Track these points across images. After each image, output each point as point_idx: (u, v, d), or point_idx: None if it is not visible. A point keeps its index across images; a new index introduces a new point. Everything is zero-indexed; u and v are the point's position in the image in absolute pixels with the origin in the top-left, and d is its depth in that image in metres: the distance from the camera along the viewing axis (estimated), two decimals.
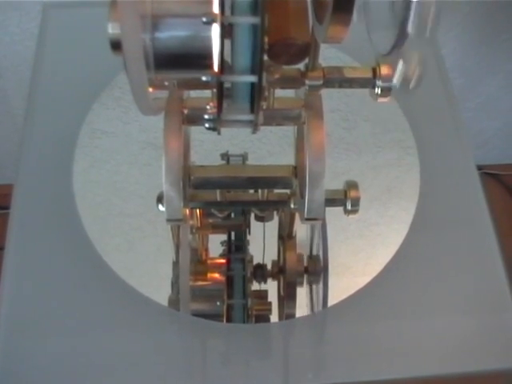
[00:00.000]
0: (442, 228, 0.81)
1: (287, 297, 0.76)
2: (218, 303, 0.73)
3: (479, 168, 0.86)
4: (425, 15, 0.46)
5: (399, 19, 0.46)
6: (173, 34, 0.43)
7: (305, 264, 0.77)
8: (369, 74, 0.55)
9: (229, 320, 0.73)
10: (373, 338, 0.73)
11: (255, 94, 0.48)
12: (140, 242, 0.82)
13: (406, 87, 0.52)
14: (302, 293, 0.77)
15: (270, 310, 0.76)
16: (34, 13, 1.08)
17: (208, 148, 0.81)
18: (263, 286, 0.78)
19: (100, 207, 0.83)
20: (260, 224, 0.75)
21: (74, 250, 0.78)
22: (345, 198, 0.64)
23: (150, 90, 0.45)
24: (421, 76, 0.50)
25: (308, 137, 0.56)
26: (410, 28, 0.45)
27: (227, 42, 0.44)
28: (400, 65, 0.50)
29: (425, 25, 0.46)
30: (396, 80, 0.52)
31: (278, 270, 0.78)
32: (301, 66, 0.53)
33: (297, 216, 0.69)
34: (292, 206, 0.66)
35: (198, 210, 0.72)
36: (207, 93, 0.52)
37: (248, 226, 0.76)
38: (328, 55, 0.58)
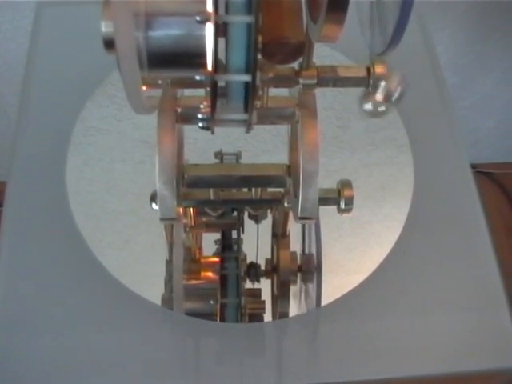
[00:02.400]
0: (435, 226, 0.81)
1: (281, 295, 0.76)
2: (212, 302, 0.73)
3: (473, 166, 0.86)
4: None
5: (394, 18, 0.46)
6: (166, 32, 0.43)
7: (298, 262, 0.77)
8: (363, 73, 0.55)
9: (222, 319, 0.73)
10: (367, 337, 0.73)
11: (249, 93, 0.48)
12: (133, 240, 0.82)
13: (388, 102, 0.53)
14: (295, 291, 0.77)
15: (263, 309, 0.76)
16: (28, 10, 1.08)
17: (202, 146, 0.80)
18: (256, 285, 0.78)
19: (93, 205, 0.83)
20: (253, 223, 0.75)
21: (66, 248, 0.77)
22: (338, 197, 0.63)
23: (144, 88, 0.45)
24: (403, 93, 0.51)
25: (302, 136, 0.56)
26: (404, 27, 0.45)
27: (221, 41, 0.44)
28: (382, 82, 0.51)
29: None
30: (378, 95, 0.53)
31: (272, 269, 0.78)
32: (295, 64, 0.53)
33: (290, 214, 0.69)
34: (286, 204, 0.65)
35: (191, 209, 0.72)
36: (201, 91, 0.52)
37: (241, 224, 0.76)
38: (322, 54, 0.58)
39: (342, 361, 0.72)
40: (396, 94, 0.53)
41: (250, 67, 0.45)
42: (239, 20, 0.43)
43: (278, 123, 0.61)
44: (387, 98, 0.53)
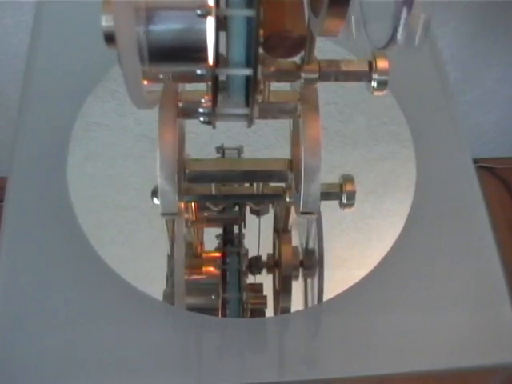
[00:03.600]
0: (437, 221, 0.81)
1: (282, 290, 0.76)
2: (213, 297, 0.73)
3: (475, 161, 0.86)
4: (414, 24, 0.45)
5: (396, 13, 0.45)
6: (167, 26, 0.43)
7: (300, 257, 0.77)
8: (365, 68, 0.55)
9: (224, 314, 0.73)
10: (368, 333, 0.73)
11: (250, 87, 0.48)
12: (135, 235, 0.81)
13: (411, 43, 0.51)
14: (297, 286, 0.77)
15: (265, 304, 0.76)
16: (29, 5, 1.08)
17: (203, 141, 0.80)
18: (258, 280, 0.78)
19: (94, 200, 0.83)
20: (255, 217, 0.75)
21: (68, 243, 0.77)
22: (340, 192, 0.63)
23: (145, 82, 0.45)
24: (426, 32, 0.49)
25: (304, 130, 0.56)
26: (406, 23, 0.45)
27: (222, 35, 0.44)
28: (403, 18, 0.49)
29: (414, 33, 0.46)
30: (400, 35, 0.51)
31: (274, 264, 0.78)
32: (296, 59, 0.53)
33: (292, 209, 0.69)
34: (287, 199, 0.65)
35: (193, 204, 0.72)
36: (202, 86, 0.51)
37: (243, 219, 0.76)
38: (323, 48, 0.58)
39: (343, 356, 0.71)
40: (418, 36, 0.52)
41: (252, 61, 0.45)
42: (240, 14, 0.43)
43: (280, 118, 0.60)
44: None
